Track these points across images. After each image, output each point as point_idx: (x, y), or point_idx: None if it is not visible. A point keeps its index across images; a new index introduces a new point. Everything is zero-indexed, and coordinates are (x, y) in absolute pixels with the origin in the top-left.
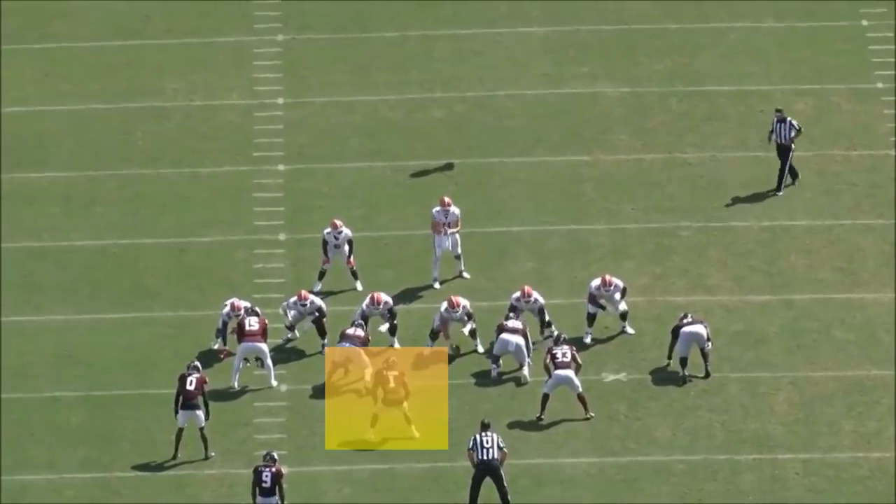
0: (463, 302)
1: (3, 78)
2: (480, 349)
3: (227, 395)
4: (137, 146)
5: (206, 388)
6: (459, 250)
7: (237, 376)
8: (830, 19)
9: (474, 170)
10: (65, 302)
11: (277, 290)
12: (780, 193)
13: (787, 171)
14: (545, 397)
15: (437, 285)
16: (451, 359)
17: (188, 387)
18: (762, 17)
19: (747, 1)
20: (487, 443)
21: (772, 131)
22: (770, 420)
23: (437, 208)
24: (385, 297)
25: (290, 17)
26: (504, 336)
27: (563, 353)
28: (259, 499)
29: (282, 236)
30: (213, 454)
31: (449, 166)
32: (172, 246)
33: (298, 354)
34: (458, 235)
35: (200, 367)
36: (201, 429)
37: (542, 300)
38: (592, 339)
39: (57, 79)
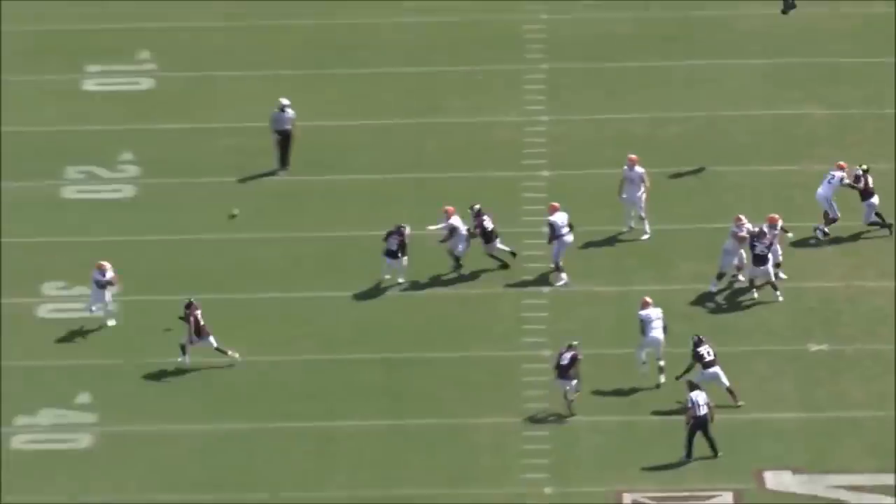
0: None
1: (321, 98)
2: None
3: None
4: (428, 154)
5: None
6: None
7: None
8: None
9: (704, 177)
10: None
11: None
12: None
13: None
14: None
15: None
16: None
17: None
18: None
19: None
20: (701, 400)
21: None
22: None
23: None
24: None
25: (553, 49)
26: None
27: (708, 350)
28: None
29: (545, 229)
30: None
31: (701, 170)
32: None
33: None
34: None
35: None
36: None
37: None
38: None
39: (363, 98)
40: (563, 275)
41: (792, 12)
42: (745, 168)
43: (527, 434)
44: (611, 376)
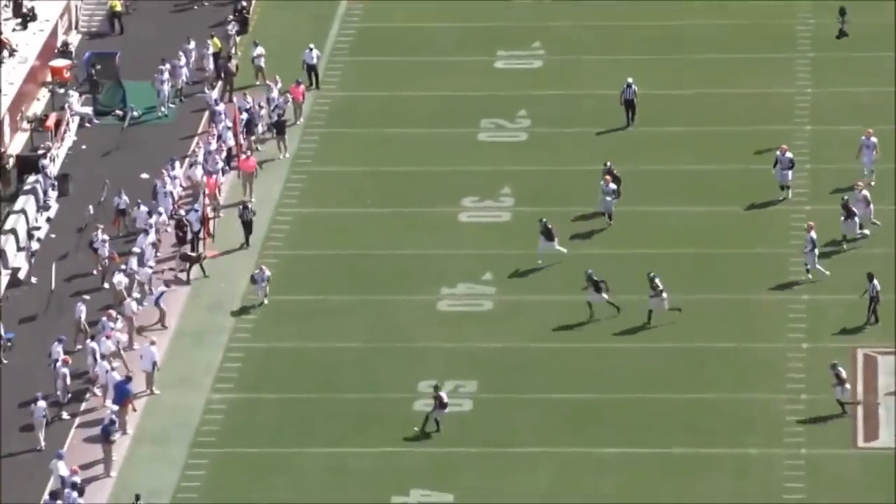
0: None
1: (655, 75)
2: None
3: None
4: (727, 113)
5: None
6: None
7: None
8: None
9: None
10: None
11: None
12: None
13: None
14: None
15: None
16: None
17: None
18: None
19: None
20: (878, 286)
21: None
22: None
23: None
24: None
25: (817, 43)
26: None
27: (658, 282)
28: None
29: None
30: None
31: None
32: None
33: None
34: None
35: None
36: None
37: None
38: None
39: (683, 76)
40: (789, 192)
41: (844, 39)
42: None
43: (790, 306)
44: (847, 272)
